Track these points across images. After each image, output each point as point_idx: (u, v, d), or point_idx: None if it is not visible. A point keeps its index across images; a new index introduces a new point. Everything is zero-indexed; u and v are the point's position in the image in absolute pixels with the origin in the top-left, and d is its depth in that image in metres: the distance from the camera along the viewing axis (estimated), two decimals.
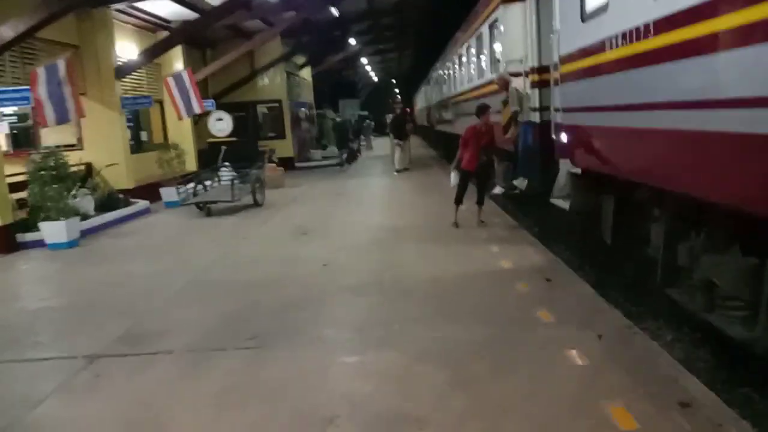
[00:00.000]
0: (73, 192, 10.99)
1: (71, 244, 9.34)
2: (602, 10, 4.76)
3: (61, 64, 9.27)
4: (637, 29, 4.09)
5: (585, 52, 5.22)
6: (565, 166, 6.89)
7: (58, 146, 11.30)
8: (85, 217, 10.75)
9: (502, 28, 9.39)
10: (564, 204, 6.52)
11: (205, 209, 11.51)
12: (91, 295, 6.57)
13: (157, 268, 7.58)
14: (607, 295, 5.34)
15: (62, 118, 9.59)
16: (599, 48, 4.83)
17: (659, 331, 4.72)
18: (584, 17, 5.25)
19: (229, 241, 8.92)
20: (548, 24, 7.49)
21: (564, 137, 6.52)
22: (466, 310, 5.10)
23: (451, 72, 17.93)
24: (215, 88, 20.94)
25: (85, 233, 10.10)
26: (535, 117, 8.02)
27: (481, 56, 11.90)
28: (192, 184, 12.01)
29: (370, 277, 6.33)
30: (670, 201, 4.38)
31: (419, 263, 6.80)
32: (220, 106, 18.92)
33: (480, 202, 8.73)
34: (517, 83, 8.71)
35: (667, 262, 4.41)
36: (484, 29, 11.07)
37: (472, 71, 13.56)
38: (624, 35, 4.32)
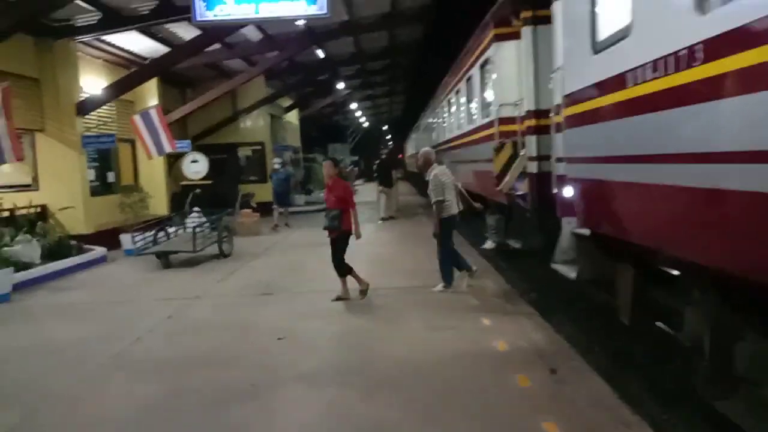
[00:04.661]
0: (18, 238, 9.91)
1: (1, 299, 8.15)
2: (621, 35, 3.78)
3: None
4: (677, 56, 3.09)
5: (597, 91, 4.23)
6: (568, 226, 5.85)
7: (4, 186, 10.25)
8: (26, 266, 9.57)
9: (494, 68, 8.49)
10: (569, 272, 5.43)
11: (163, 260, 10.32)
12: None
13: (86, 333, 6.39)
14: (627, 395, 4.20)
15: None
16: (616, 84, 3.84)
17: None
18: (596, 47, 4.28)
19: (179, 300, 7.72)
20: (547, 63, 6.59)
21: (568, 192, 5.49)
22: (452, 418, 3.92)
23: (440, 118, 17.14)
24: (195, 128, 20.02)
25: (24, 285, 8.92)
26: (533, 167, 7.02)
27: (472, 101, 11.01)
28: (152, 232, 10.86)
29: (334, 359, 5.16)
30: (719, 281, 3.31)
31: (396, 340, 5.63)
32: (200, 148, 17.97)
33: (342, 274, 7.21)
34: (440, 169, 7.42)
35: (716, 365, 3.30)
36: (475, 71, 10.20)
37: (461, 117, 12.68)
38: (655, 65, 3.32)
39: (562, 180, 5.66)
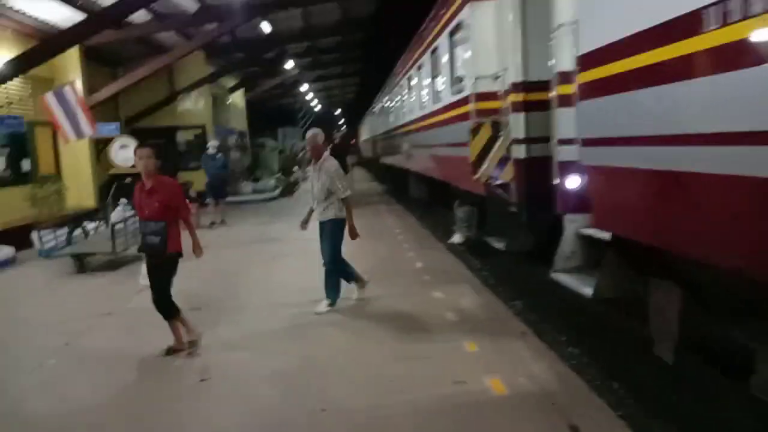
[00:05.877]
0: None
1: None
2: None
3: None
4: None
5: (645, 41, 2.97)
6: (572, 225, 4.66)
7: None
8: None
9: (468, 35, 7.20)
10: (581, 287, 4.22)
11: (77, 263, 8.69)
12: None
13: None
14: None
15: None
16: (689, 26, 2.59)
17: None
18: None
19: (84, 318, 6.20)
20: (538, 23, 5.35)
21: (578, 182, 4.29)
22: None
23: (398, 99, 15.78)
24: (128, 110, 18.11)
25: None
26: (520, 152, 5.79)
27: (438, 76, 9.71)
28: (65, 229, 9.19)
29: (272, 413, 3.81)
30: None
31: (357, 379, 4.29)
32: (134, 132, 16.16)
33: (170, 315, 5.03)
34: (330, 163, 6.31)
35: None
36: (442, 40, 8.89)
37: (423, 96, 11.37)
38: None
39: (566, 168, 4.46)
